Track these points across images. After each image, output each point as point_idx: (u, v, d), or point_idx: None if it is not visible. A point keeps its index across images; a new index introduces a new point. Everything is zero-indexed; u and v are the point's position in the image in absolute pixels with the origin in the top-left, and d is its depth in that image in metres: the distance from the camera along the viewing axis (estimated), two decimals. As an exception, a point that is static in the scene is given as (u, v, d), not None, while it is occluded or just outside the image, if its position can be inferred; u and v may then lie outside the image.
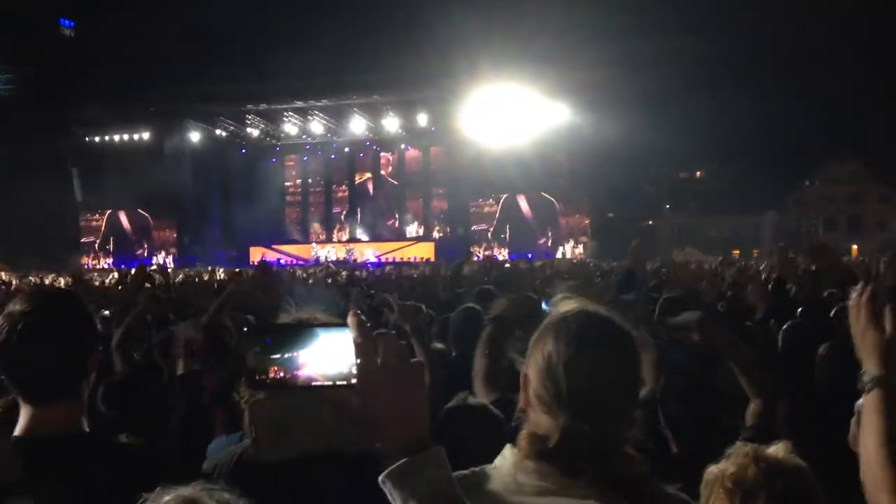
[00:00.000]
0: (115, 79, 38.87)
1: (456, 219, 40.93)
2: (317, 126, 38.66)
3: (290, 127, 38.70)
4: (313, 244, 40.87)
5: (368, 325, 1.08)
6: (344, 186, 43.26)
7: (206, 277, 12.93)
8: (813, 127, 53.70)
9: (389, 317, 5.22)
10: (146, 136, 39.59)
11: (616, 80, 31.75)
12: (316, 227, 43.85)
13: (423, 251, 37.50)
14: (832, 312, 4.63)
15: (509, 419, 2.41)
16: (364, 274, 14.94)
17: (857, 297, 1.84)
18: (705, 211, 58.09)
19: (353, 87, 35.42)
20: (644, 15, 35.37)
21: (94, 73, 39.89)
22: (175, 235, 43.02)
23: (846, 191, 56.13)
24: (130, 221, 43.56)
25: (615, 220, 46.37)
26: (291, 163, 43.83)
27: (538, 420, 1.50)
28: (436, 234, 40.97)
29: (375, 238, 41.38)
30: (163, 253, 42.67)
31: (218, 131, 39.11)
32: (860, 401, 2.47)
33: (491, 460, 1.51)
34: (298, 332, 1.12)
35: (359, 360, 1.07)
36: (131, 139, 40.01)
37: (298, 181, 44.16)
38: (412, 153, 41.53)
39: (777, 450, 1.80)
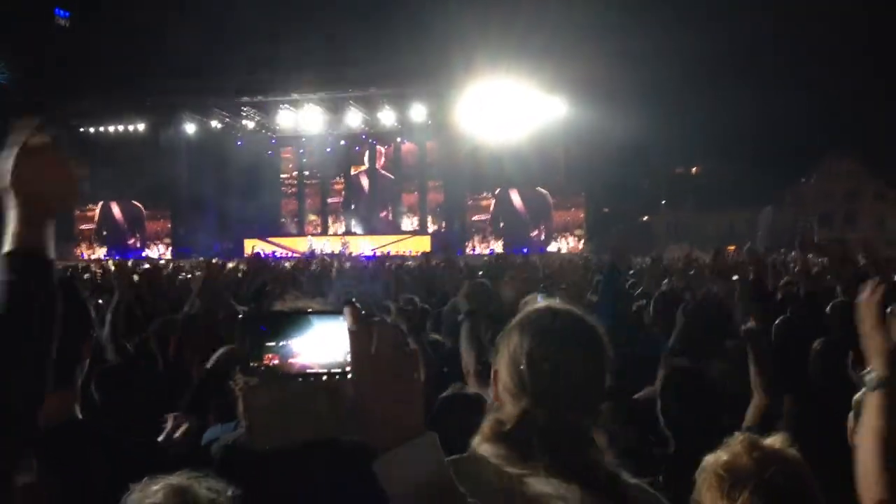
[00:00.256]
0: (110, 70, 38.70)
1: (452, 212, 40.95)
2: (313, 119, 38.59)
3: (286, 120, 38.62)
4: (309, 237, 40.87)
5: (363, 312, 1.08)
6: (340, 179, 43.21)
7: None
8: (810, 124, 53.81)
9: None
10: (141, 127, 39.53)
11: (613, 74, 31.74)
12: (311, 219, 43.81)
13: (419, 245, 37.51)
14: (827, 308, 4.64)
15: None
16: (358, 266, 14.90)
17: (867, 296, 1.85)
18: (702, 207, 58.20)
19: (349, 80, 35.37)
20: (642, 10, 35.35)
21: (89, 63, 39.69)
22: (170, 227, 43.02)
23: (843, 187, 56.29)
24: (123, 212, 43.52)
25: (611, 216, 46.42)
26: (287, 155, 43.76)
27: (505, 409, 1.56)
28: (431, 227, 41.02)
29: (370, 231, 41.40)
30: (158, 244, 42.71)
31: (213, 123, 39.02)
32: (857, 395, 2.48)
33: None
34: (293, 320, 1.12)
35: (353, 348, 1.06)
36: (126, 130, 39.94)
37: (294, 174, 44.10)
38: (408, 147, 41.52)
39: (774, 441, 1.80)
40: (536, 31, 30.73)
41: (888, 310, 1.79)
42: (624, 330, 4.51)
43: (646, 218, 56.69)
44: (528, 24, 31.09)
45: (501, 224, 39.60)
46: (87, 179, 40.14)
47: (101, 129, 40.45)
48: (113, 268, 10.53)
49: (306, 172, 43.64)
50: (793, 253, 10.27)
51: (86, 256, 40.91)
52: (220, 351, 2.72)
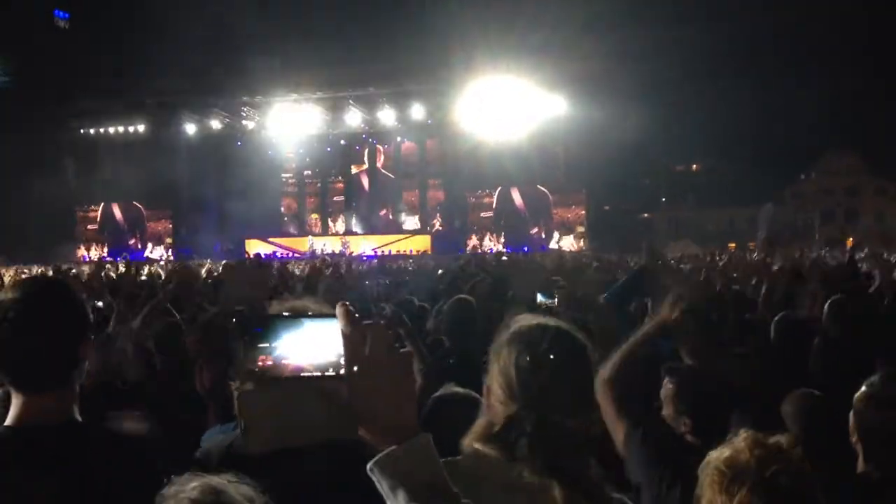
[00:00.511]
0: (109, 71, 38.73)
1: (452, 211, 40.97)
2: (312, 119, 38.58)
3: (286, 119, 38.59)
4: (309, 237, 40.90)
5: (356, 315, 1.08)
6: (340, 179, 43.21)
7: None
8: (810, 120, 53.74)
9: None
10: (141, 128, 39.56)
11: (613, 72, 31.71)
12: (312, 219, 43.82)
13: (420, 244, 37.55)
14: (825, 306, 4.63)
15: None
16: (363, 267, 14.93)
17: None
18: (702, 204, 58.21)
19: (349, 79, 35.36)
20: (642, 6, 35.30)
21: (89, 65, 39.70)
22: (170, 228, 43.09)
23: (843, 183, 56.28)
24: (124, 213, 43.60)
25: (611, 213, 46.45)
26: (287, 155, 43.73)
27: (491, 416, 1.63)
28: (433, 226, 41.04)
29: (371, 230, 41.42)
30: (159, 245, 42.79)
31: (213, 123, 39.01)
32: (858, 394, 2.48)
33: None
34: (287, 322, 1.12)
35: (347, 350, 1.07)
36: (126, 131, 39.97)
37: (294, 174, 44.09)
38: (408, 145, 41.51)
39: (777, 439, 1.79)
40: (536, 28, 30.72)
41: None
42: (626, 328, 4.50)
43: (646, 215, 56.70)
44: (528, 22, 31.08)
45: (502, 222, 39.64)
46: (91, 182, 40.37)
47: (102, 130, 40.51)
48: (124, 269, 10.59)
49: (307, 172, 43.61)
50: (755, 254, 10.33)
51: (87, 258, 40.98)
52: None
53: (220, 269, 10.85)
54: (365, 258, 26.53)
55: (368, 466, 1.06)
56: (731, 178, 56.64)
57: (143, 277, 10.27)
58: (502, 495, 1.44)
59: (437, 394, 2.40)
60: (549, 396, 1.57)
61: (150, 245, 43.28)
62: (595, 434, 1.69)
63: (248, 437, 1.56)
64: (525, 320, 1.74)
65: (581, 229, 38.59)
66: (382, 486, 1.05)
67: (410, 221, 41.85)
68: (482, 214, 40.15)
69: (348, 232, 41.61)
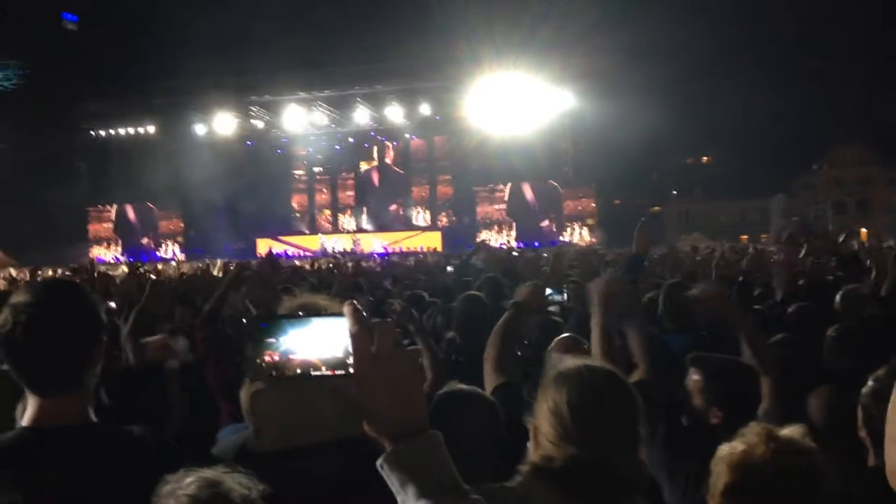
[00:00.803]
0: (119, 73, 38.92)
1: (462, 206, 40.95)
2: (321, 117, 38.65)
3: (295, 118, 38.65)
4: (320, 235, 40.99)
5: (364, 313, 1.09)
6: (349, 176, 43.28)
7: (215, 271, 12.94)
8: (820, 111, 53.48)
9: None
10: (151, 129, 39.71)
11: (621, 66, 31.64)
12: (322, 217, 43.90)
13: (430, 241, 37.55)
14: (838, 295, 4.61)
15: (509, 404, 2.42)
16: (373, 265, 14.95)
17: None
18: (712, 196, 58.01)
19: (356, 77, 35.39)
20: (649, 1, 35.20)
21: (99, 67, 39.91)
22: (182, 227, 43.26)
23: (854, 174, 55.91)
24: (137, 214, 43.82)
25: (621, 207, 46.33)
26: (297, 154, 43.82)
27: (547, 452, 1.67)
28: (442, 221, 41.06)
29: (381, 227, 41.47)
30: (170, 244, 42.99)
31: (223, 123, 39.10)
32: (865, 388, 2.46)
33: (485, 444, 1.63)
34: (294, 320, 1.12)
35: (355, 349, 1.07)
36: (137, 133, 40.15)
37: (303, 172, 44.18)
38: (417, 142, 41.52)
39: (791, 431, 1.80)
40: (543, 23, 30.66)
41: None
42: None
43: (656, 208, 56.52)
44: (535, 18, 31.03)
45: (514, 214, 39.61)
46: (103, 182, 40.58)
47: (112, 131, 40.68)
48: (126, 271, 10.61)
49: (317, 169, 43.69)
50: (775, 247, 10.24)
51: (102, 258, 41.25)
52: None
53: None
54: (375, 256, 26.55)
55: (378, 462, 1.06)
56: (741, 171, 56.43)
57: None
58: None
59: (442, 391, 2.40)
60: (604, 437, 1.64)
61: (162, 245, 43.49)
62: (645, 474, 1.74)
63: (261, 436, 1.58)
64: (570, 361, 1.82)
65: (591, 221, 38.51)
66: (392, 481, 1.06)
67: (420, 216, 41.87)
68: (492, 207, 40.11)
69: (359, 229, 41.68)
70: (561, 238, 37.49)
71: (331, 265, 13.40)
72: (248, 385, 1.59)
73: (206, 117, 38.66)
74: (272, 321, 1.12)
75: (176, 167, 37.82)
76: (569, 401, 1.68)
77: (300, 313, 1.63)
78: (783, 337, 3.78)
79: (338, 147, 41.92)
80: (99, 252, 42.73)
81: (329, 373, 1.10)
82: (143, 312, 4.21)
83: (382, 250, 35.01)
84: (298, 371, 1.10)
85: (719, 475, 1.74)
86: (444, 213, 41.63)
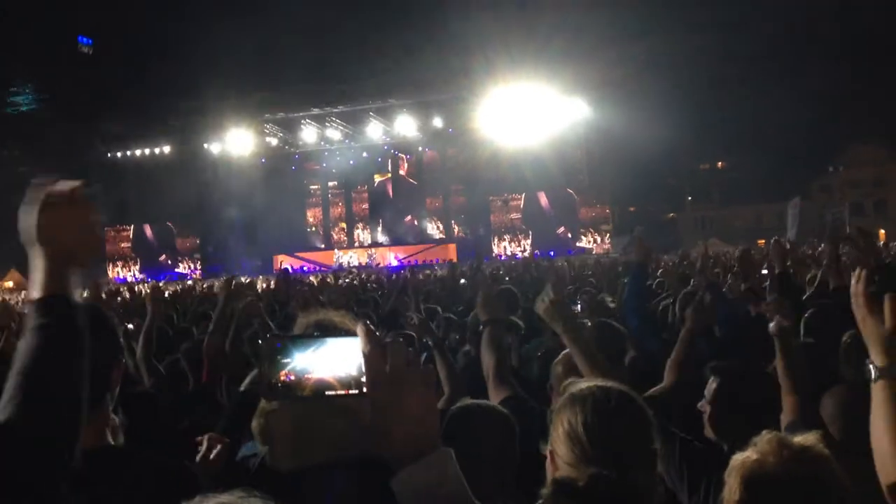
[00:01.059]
0: (134, 94, 39.29)
1: (476, 216, 40.98)
2: (334, 132, 38.83)
3: (308, 134, 38.88)
4: (335, 250, 41.11)
5: (377, 333, 1.11)
6: (363, 189, 43.44)
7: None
8: (833, 113, 53.12)
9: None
10: (167, 149, 40.02)
11: (634, 75, 31.60)
12: (337, 231, 44.07)
13: (446, 253, 37.58)
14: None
15: (516, 415, 2.43)
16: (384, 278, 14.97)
17: (854, 285, 1.83)
18: (728, 201, 57.71)
19: (369, 92, 35.54)
20: (663, 9, 35.16)
21: (114, 89, 40.32)
22: (198, 244, 43.54)
23: (870, 175, 55.47)
24: (154, 232, 44.17)
25: (637, 215, 46.19)
26: (311, 170, 44.04)
27: (568, 477, 1.67)
28: (456, 231, 41.12)
29: (396, 240, 41.57)
30: (188, 261, 43.26)
31: (237, 141, 39.37)
32: None
33: (499, 458, 1.65)
34: (308, 340, 1.14)
35: (368, 368, 1.09)
36: (153, 153, 40.48)
37: (318, 188, 44.39)
38: (430, 154, 41.62)
39: (804, 439, 1.76)
40: (556, 34, 30.70)
41: (887, 296, 1.76)
42: (650, 329, 4.49)
43: (672, 215, 56.29)
44: (548, 29, 31.08)
45: (530, 222, 39.59)
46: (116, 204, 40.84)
47: (129, 152, 41.04)
48: (144, 290, 10.65)
49: (331, 183, 43.91)
50: (822, 245, 10.11)
51: (121, 276, 41.61)
52: (253, 373, 2.75)
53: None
54: (390, 269, 26.58)
55: (392, 482, 1.07)
56: (756, 175, 56.13)
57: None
58: None
59: (456, 405, 2.41)
60: (622, 456, 1.65)
61: (181, 262, 43.80)
62: (662, 489, 1.78)
63: (276, 455, 1.59)
64: (581, 383, 1.84)
65: (605, 227, 38.46)
66: (405, 499, 1.07)
67: (434, 227, 41.92)
68: (507, 217, 40.11)
69: (374, 243, 41.78)
70: (578, 244, 37.50)
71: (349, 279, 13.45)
72: (262, 404, 1.61)
73: (221, 136, 38.94)
74: (287, 341, 1.15)
75: (192, 186, 38.11)
76: (584, 422, 1.70)
77: (315, 333, 1.66)
78: (802, 342, 3.77)
79: (352, 161, 42.12)
80: (117, 271, 43.12)
81: (343, 392, 1.12)
82: (150, 331, 4.24)
83: (398, 263, 35.06)
84: (313, 391, 1.12)
85: (732, 485, 1.73)
86: (458, 224, 41.67)
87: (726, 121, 51.84)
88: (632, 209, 46.64)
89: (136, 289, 12.41)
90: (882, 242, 20.10)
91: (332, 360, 1.12)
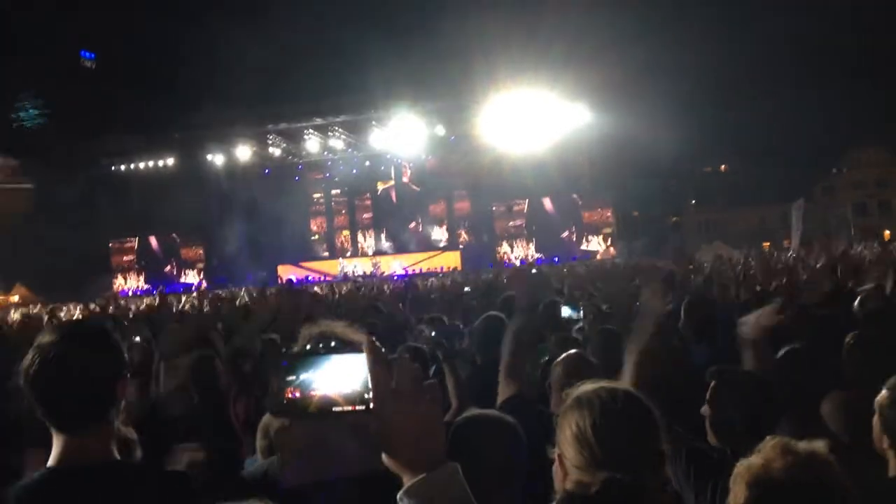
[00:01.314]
0: (136, 107, 39.47)
1: (480, 222, 40.98)
2: (337, 142, 38.87)
3: (311, 144, 38.94)
4: (340, 259, 41.11)
5: (383, 350, 1.12)
6: (366, 196, 43.47)
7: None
8: (836, 114, 53.07)
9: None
10: (171, 161, 40.09)
11: (635, 79, 31.69)
12: (341, 239, 44.09)
13: (450, 260, 37.57)
14: (856, 302, 4.59)
15: (519, 415, 2.43)
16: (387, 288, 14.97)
17: None
18: (732, 204, 57.60)
19: (371, 100, 35.61)
20: (665, 14, 35.24)
21: (117, 103, 40.52)
22: (203, 257, 43.61)
23: (873, 175, 55.35)
24: (160, 244, 44.29)
25: (640, 219, 46.15)
26: (314, 180, 44.09)
27: (579, 481, 1.69)
28: (461, 238, 41.13)
29: (401, 248, 41.57)
30: (192, 272, 43.35)
31: (240, 153, 39.47)
32: (878, 398, 2.44)
33: (506, 469, 1.65)
34: (315, 356, 1.15)
35: (374, 385, 1.10)
36: (156, 165, 40.55)
37: (322, 197, 44.43)
38: (432, 162, 41.63)
39: (808, 444, 1.76)
40: (555, 40, 30.78)
41: None
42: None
43: (675, 219, 56.22)
44: (547, 35, 31.17)
45: (534, 227, 39.60)
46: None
47: (132, 166, 41.12)
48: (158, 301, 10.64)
49: (334, 191, 43.97)
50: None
51: (126, 289, 41.73)
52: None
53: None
54: (396, 278, 26.58)
55: (398, 496, 1.08)
56: (759, 178, 56.07)
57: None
58: None
59: (462, 416, 2.41)
60: (631, 457, 1.66)
61: (185, 273, 43.91)
62: (671, 489, 1.80)
63: (285, 472, 1.60)
64: (587, 385, 1.82)
65: (608, 230, 38.46)
66: None
67: (439, 233, 41.90)
68: (510, 223, 40.12)
69: (378, 251, 41.77)
70: (582, 248, 37.52)
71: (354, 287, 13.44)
72: (269, 421, 1.63)
73: (225, 147, 39.01)
74: (293, 358, 1.16)
75: (196, 197, 38.18)
76: (592, 425, 1.70)
77: (320, 346, 1.67)
78: (801, 345, 3.76)
79: (355, 170, 42.17)
80: (122, 283, 43.21)
81: (349, 408, 1.13)
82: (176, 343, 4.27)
83: (402, 272, 35.05)
84: (319, 407, 1.13)
85: (738, 491, 1.73)
86: (462, 230, 41.67)
87: (729, 124, 51.87)
88: (635, 213, 46.57)
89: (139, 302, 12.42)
90: (887, 240, 20.07)
91: (338, 377, 1.13)
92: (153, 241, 44.26)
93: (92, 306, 13.33)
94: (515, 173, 36.26)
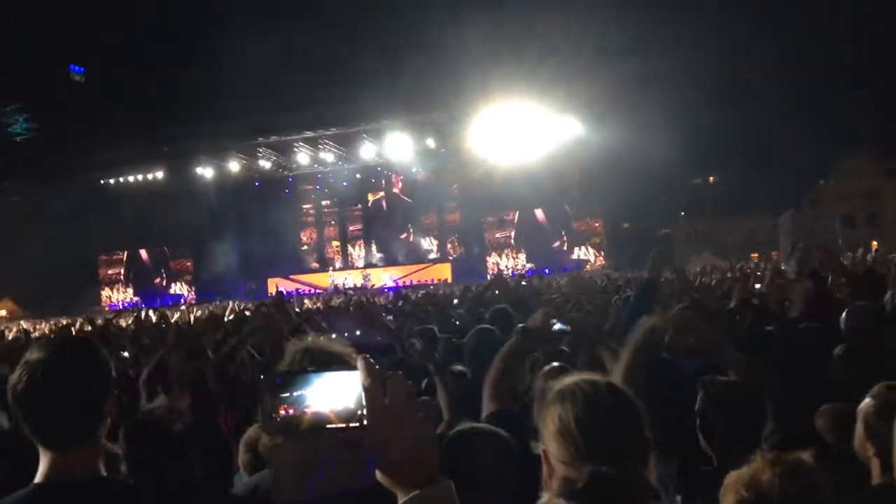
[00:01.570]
0: (126, 120, 39.41)
1: (470, 235, 41.05)
2: (327, 155, 38.90)
3: (302, 157, 38.95)
4: (330, 272, 41.07)
5: (377, 366, 1.12)
6: (357, 208, 43.51)
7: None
8: (824, 126, 53.49)
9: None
10: (160, 175, 40.02)
11: (625, 92, 31.83)
12: (331, 251, 44.08)
13: (441, 272, 37.58)
14: (843, 314, 4.61)
15: (506, 428, 2.43)
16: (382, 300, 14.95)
17: None
18: (721, 216, 57.87)
19: (362, 113, 35.68)
20: (654, 26, 35.49)
21: (106, 116, 40.44)
22: (192, 270, 43.50)
23: (861, 187, 55.71)
24: (149, 256, 44.16)
25: (631, 231, 46.32)
26: (305, 192, 44.12)
27: (565, 476, 1.65)
28: (453, 245, 41.19)
29: (391, 259, 41.59)
30: (183, 286, 43.23)
31: (230, 166, 39.46)
32: (861, 406, 2.46)
33: (498, 482, 1.63)
34: (307, 373, 1.15)
35: (368, 402, 1.10)
36: (146, 179, 40.47)
37: (312, 209, 44.44)
38: (423, 174, 41.73)
39: (798, 455, 1.78)
40: (545, 54, 30.97)
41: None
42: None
43: (666, 230, 56.44)
44: (537, 48, 31.37)
45: (524, 238, 39.69)
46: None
47: (122, 179, 41.01)
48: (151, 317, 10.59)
49: (324, 203, 43.99)
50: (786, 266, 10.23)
51: (114, 301, 41.58)
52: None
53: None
54: (385, 290, 26.56)
55: (392, 514, 1.08)
56: (748, 190, 56.38)
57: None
58: None
59: (455, 430, 2.41)
60: (615, 450, 1.63)
61: (174, 285, 43.81)
62: (650, 483, 1.73)
63: (278, 489, 1.60)
64: (568, 378, 1.80)
65: (597, 240, 38.61)
66: None
67: (429, 244, 41.95)
68: (497, 234, 40.20)
69: (368, 263, 41.76)
70: (573, 257, 37.64)
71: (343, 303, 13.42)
72: (255, 434, 1.62)
73: (214, 160, 38.98)
74: (286, 376, 1.16)
75: (186, 210, 38.10)
76: (575, 417, 1.67)
77: (307, 360, 1.66)
78: (787, 357, 3.79)
79: (345, 183, 42.22)
80: (110, 295, 43.05)
81: (343, 425, 1.13)
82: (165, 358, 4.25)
83: (393, 284, 35.04)
84: (311, 424, 1.13)
85: (727, 503, 1.74)
86: (452, 242, 41.72)
87: (718, 136, 52.14)
88: (626, 225, 46.75)
89: (142, 315, 12.31)
90: (874, 251, 20.18)
91: (332, 394, 1.13)
92: (143, 253, 44.14)
93: (79, 322, 13.24)
94: (506, 185, 36.39)
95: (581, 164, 36.80)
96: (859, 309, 4.47)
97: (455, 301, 9.67)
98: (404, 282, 36.05)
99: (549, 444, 1.70)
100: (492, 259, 39.80)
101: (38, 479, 1.89)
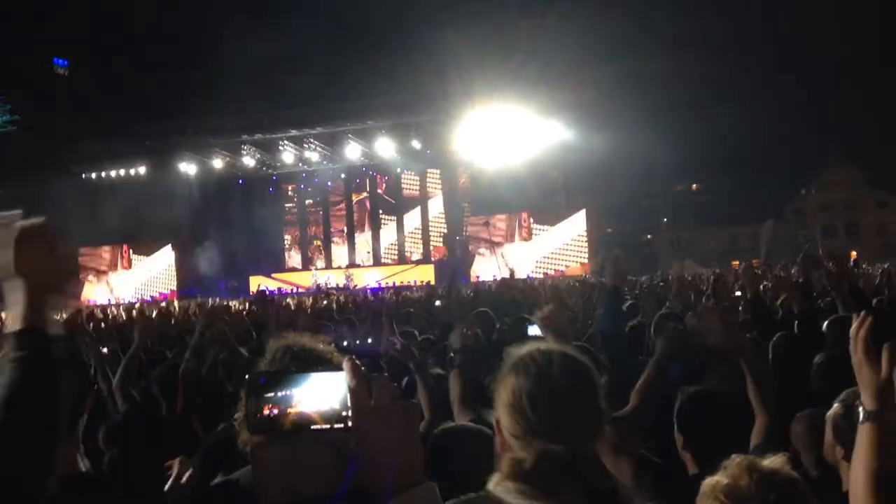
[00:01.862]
0: (108, 114, 39.09)
1: (454, 236, 41.05)
2: (312, 154, 38.78)
3: (286, 156, 38.81)
4: (313, 271, 40.92)
5: (362, 368, 1.13)
6: (341, 208, 43.41)
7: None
8: (808, 136, 53.95)
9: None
10: (142, 170, 39.69)
11: (610, 97, 31.97)
12: (314, 251, 43.94)
13: (423, 274, 37.53)
14: (825, 324, 4.66)
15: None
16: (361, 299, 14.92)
17: (855, 330, 1.87)
18: (703, 223, 58.22)
19: (347, 113, 35.61)
20: (638, 31, 35.67)
21: (89, 109, 40.10)
22: (174, 266, 43.16)
23: (842, 197, 56.28)
24: (130, 253, 43.78)
25: (614, 236, 46.49)
26: (288, 191, 43.97)
27: (516, 451, 1.60)
28: (437, 246, 41.19)
29: (374, 260, 41.51)
30: (164, 281, 42.91)
31: (214, 162, 39.20)
32: (830, 412, 2.49)
33: (482, 479, 1.62)
34: (292, 374, 1.16)
35: (353, 403, 1.11)
36: (128, 174, 40.12)
37: (296, 209, 44.31)
38: (408, 175, 41.74)
39: (773, 462, 1.78)
40: (530, 57, 31.02)
41: (886, 345, 1.80)
42: (623, 351, 4.51)
43: (648, 236, 56.72)
44: (522, 52, 31.41)
45: (507, 242, 39.71)
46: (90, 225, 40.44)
47: (103, 173, 40.64)
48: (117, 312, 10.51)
49: (308, 201, 43.89)
50: (794, 269, 10.25)
51: (94, 299, 41.15)
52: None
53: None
54: (369, 291, 26.50)
55: (376, 515, 1.09)
56: (731, 197, 56.77)
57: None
58: None
59: (439, 429, 2.42)
60: (570, 425, 1.57)
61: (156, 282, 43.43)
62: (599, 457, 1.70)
63: (264, 491, 1.59)
64: (523, 348, 1.72)
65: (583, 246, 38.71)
66: None
67: (412, 247, 41.97)
68: (485, 237, 40.15)
69: (351, 263, 41.66)
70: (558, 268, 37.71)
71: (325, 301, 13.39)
72: (244, 436, 1.61)
73: (198, 157, 38.73)
74: (271, 376, 1.16)
75: (168, 207, 37.80)
76: (527, 390, 1.61)
77: (288, 358, 1.66)
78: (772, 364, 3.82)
79: (330, 182, 42.14)
80: (91, 291, 42.62)
81: (327, 426, 1.13)
82: (134, 358, 4.20)
83: (376, 285, 34.96)
84: (295, 425, 1.13)
85: None
86: (436, 244, 41.73)
87: (700, 143, 52.48)
88: (609, 230, 46.90)
89: (108, 311, 12.26)
90: (853, 260, 20.39)
91: (316, 395, 1.14)
92: (124, 249, 43.75)
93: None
94: (491, 188, 36.41)
95: (565, 168, 36.89)
96: (843, 318, 4.51)
97: (437, 303, 9.65)
98: (387, 283, 35.98)
99: (502, 416, 1.65)
100: (476, 263, 39.76)
101: None
